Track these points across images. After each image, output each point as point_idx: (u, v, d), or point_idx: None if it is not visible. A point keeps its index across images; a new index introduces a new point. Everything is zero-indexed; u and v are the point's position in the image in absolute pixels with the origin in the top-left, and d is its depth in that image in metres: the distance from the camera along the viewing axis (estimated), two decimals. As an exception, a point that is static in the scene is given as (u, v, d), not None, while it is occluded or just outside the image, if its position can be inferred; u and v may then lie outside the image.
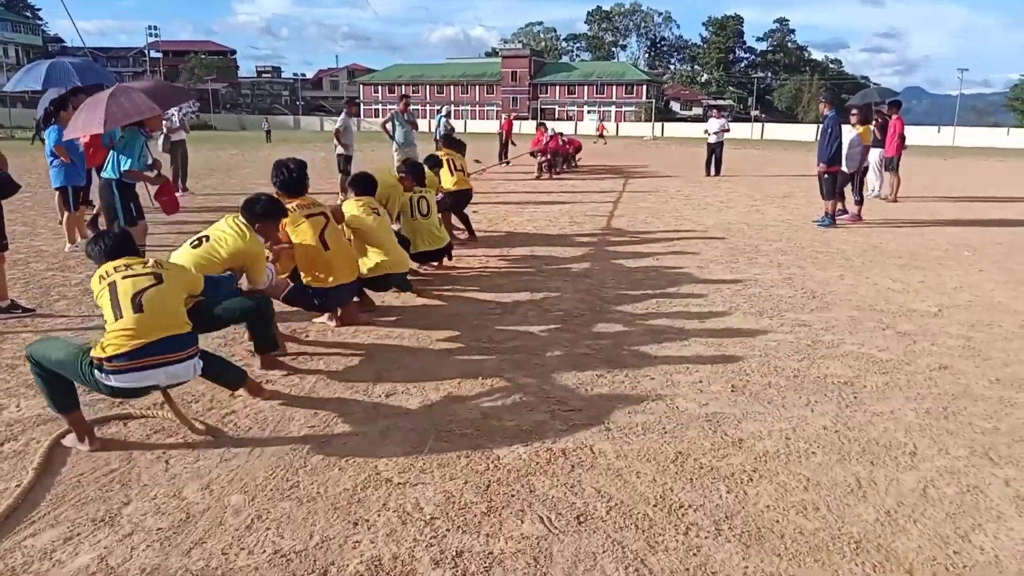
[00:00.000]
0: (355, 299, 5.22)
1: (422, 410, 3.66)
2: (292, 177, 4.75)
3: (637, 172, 19.96)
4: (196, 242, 4.03)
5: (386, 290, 5.65)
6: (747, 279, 6.63)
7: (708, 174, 18.06)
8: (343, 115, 12.69)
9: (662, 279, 6.64)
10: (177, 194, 8.11)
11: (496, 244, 8.37)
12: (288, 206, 4.57)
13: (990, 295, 6.15)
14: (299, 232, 4.65)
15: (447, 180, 8.31)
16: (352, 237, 5.31)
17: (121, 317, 3.03)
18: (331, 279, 4.72)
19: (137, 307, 3.05)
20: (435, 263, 6.80)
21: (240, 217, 4.13)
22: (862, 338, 4.92)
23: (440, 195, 7.68)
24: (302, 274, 4.77)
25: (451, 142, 9.09)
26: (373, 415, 3.58)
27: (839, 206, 10.29)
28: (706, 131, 18.57)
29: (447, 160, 8.40)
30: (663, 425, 3.50)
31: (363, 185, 5.60)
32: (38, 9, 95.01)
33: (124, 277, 3.14)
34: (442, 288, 6.22)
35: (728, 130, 18.84)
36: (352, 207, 5.32)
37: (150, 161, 6.14)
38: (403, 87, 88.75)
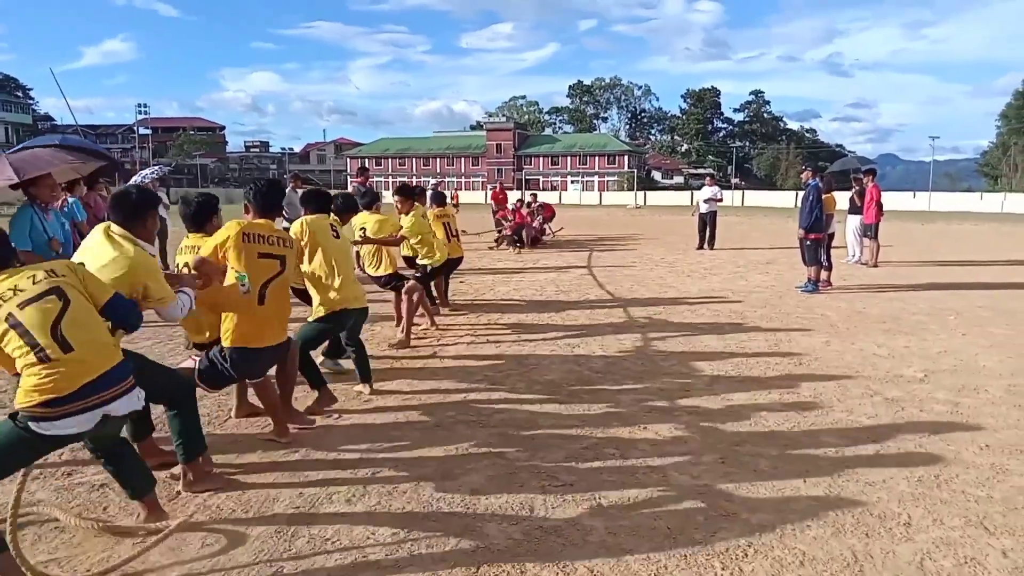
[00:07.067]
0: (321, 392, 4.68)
1: (410, 489, 3.59)
2: (262, 191, 4.11)
3: (621, 240, 20.21)
4: None
5: (342, 330, 5.10)
6: (733, 346, 6.65)
7: (701, 247, 16.51)
8: (288, 189, 12.54)
9: (648, 348, 6.65)
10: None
11: (483, 314, 8.38)
12: (252, 220, 4.03)
13: (975, 360, 6.19)
14: (242, 267, 3.81)
15: (442, 246, 7.99)
16: (308, 276, 4.82)
17: (48, 360, 2.57)
18: (261, 339, 3.93)
19: (64, 345, 2.59)
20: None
21: (113, 226, 3.30)
22: (850, 405, 4.92)
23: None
24: (223, 327, 3.91)
25: (438, 199, 9.00)
26: (360, 495, 3.51)
27: (823, 275, 10.41)
28: (696, 202, 16.82)
29: (444, 223, 8.34)
30: (655, 499, 3.45)
31: (317, 202, 4.95)
32: (29, 89, 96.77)
33: (21, 305, 2.60)
34: (429, 360, 6.20)
35: (720, 199, 17.34)
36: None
37: (46, 239, 4.95)
38: (390, 160, 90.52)
